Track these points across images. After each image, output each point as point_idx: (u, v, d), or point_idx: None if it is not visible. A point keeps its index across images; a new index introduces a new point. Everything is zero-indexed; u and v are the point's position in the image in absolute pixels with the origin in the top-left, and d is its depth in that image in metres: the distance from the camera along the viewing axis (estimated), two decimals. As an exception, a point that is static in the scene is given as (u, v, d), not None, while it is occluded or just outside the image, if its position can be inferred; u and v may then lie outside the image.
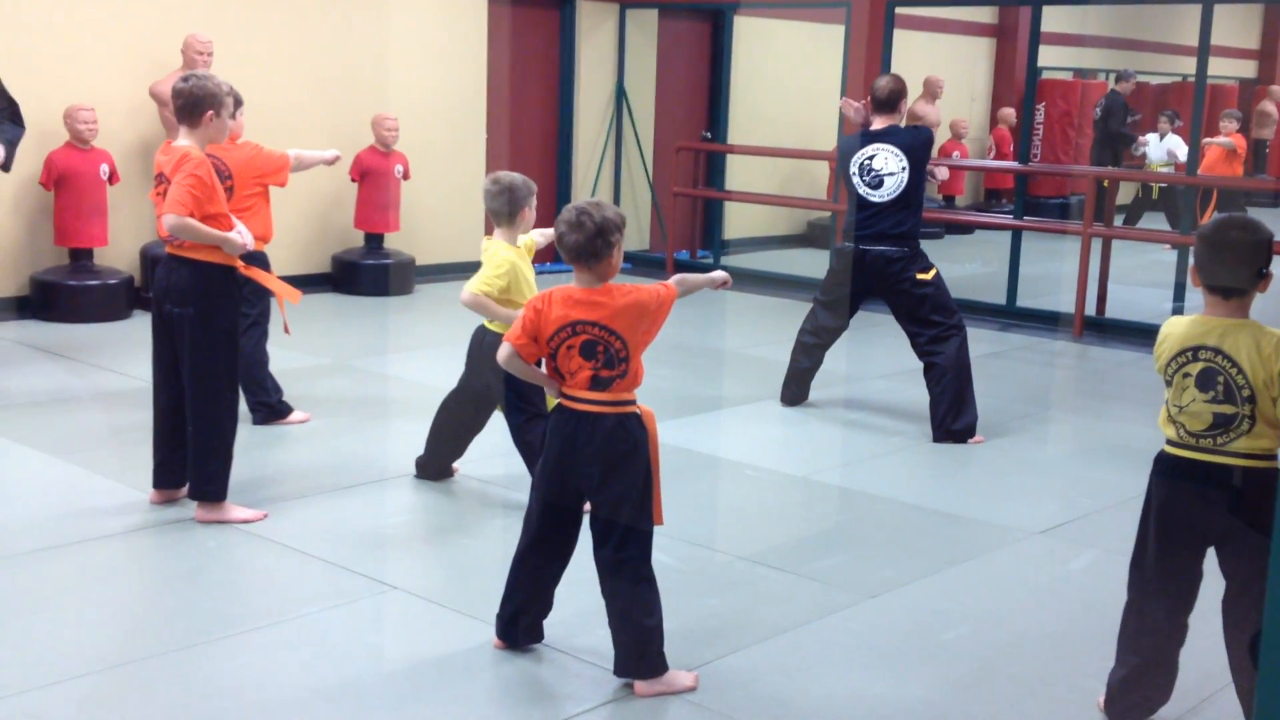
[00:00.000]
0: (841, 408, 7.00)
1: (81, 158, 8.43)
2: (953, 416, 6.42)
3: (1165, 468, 3.45)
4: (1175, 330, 3.42)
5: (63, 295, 8.45)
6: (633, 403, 3.67)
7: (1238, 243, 3.32)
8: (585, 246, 3.57)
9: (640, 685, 3.68)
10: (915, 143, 6.58)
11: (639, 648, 3.68)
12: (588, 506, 3.75)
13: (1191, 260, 3.45)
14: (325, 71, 9.80)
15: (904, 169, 6.51)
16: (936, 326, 6.51)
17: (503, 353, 3.69)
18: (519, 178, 5.06)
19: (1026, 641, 4.16)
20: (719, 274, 4.22)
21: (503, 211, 4.99)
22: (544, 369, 3.79)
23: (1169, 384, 3.41)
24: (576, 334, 3.59)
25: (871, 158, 6.54)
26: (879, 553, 4.90)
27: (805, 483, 5.74)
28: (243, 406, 5.58)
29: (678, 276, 3.94)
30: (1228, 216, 3.45)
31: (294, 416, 6.30)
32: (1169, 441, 3.44)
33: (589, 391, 3.61)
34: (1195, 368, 3.34)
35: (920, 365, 6.61)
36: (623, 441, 3.62)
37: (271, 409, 6.25)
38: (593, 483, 3.64)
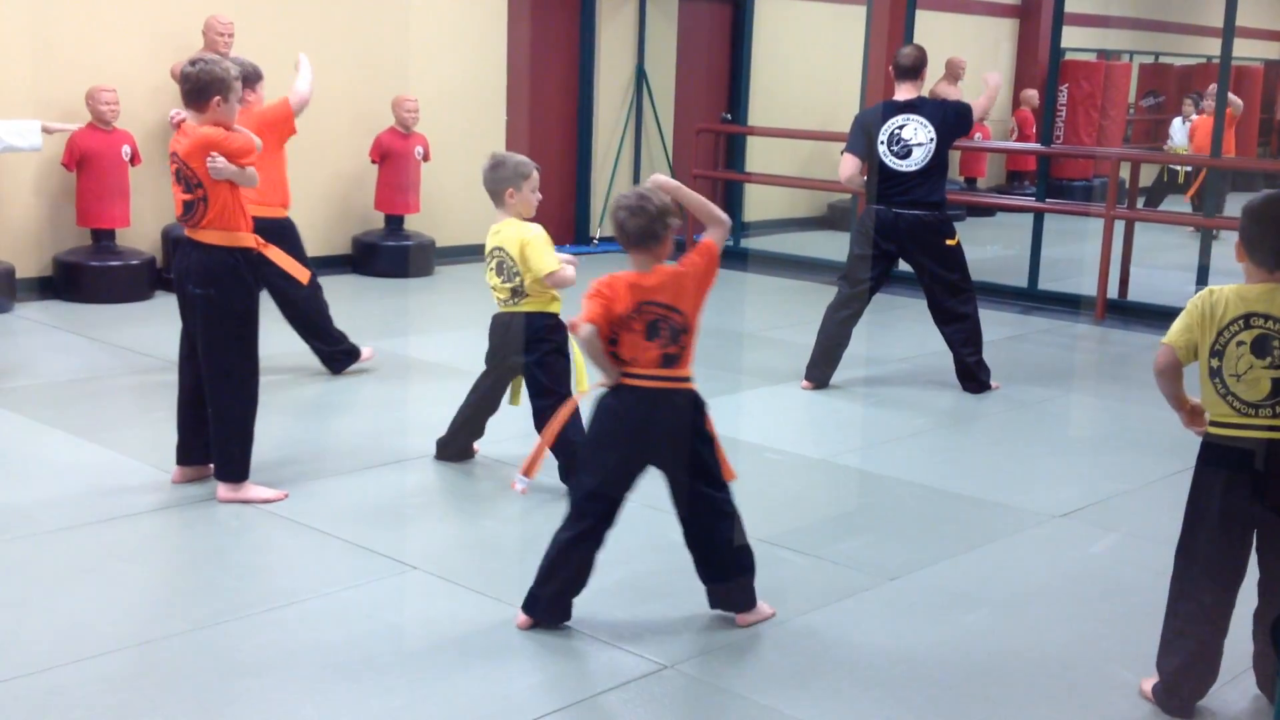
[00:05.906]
0: (862, 391, 6.99)
1: (103, 139, 8.46)
2: (981, 363, 6.83)
3: (1213, 453, 3.41)
4: (1221, 302, 3.37)
5: (85, 276, 8.49)
6: (692, 378, 3.86)
7: None
8: (647, 229, 3.76)
9: (743, 616, 3.99)
10: (944, 114, 6.79)
11: (750, 578, 3.99)
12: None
13: (1237, 236, 3.42)
14: (346, 53, 9.79)
15: (932, 140, 6.72)
16: (964, 290, 6.87)
17: (585, 331, 3.76)
18: (514, 157, 5.10)
19: (1047, 625, 4.15)
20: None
21: (492, 190, 5.05)
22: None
23: (1217, 355, 3.37)
24: (642, 314, 3.73)
25: (901, 128, 6.71)
26: (899, 536, 4.90)
27: (825, 465, 5.73)
28: (265, 390, 5.58)
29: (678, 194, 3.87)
30: (1275, 191, 3.43)
31: (364, 353, 6.84)
32: (1216, 423, 3.40)
33: (661, 369, 3.76)
34: (1249, 335, 3.33)
35: (940, 348, 6.75)
36: (695, 413, 3.83)
37: (348, 354, 6.76)
38: (671, 456, 3.82)
